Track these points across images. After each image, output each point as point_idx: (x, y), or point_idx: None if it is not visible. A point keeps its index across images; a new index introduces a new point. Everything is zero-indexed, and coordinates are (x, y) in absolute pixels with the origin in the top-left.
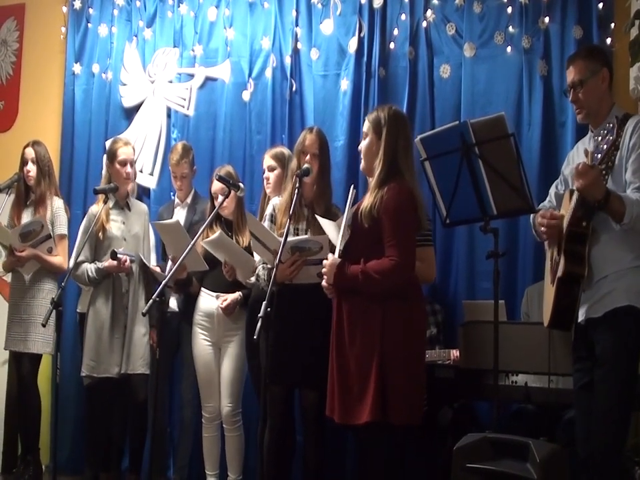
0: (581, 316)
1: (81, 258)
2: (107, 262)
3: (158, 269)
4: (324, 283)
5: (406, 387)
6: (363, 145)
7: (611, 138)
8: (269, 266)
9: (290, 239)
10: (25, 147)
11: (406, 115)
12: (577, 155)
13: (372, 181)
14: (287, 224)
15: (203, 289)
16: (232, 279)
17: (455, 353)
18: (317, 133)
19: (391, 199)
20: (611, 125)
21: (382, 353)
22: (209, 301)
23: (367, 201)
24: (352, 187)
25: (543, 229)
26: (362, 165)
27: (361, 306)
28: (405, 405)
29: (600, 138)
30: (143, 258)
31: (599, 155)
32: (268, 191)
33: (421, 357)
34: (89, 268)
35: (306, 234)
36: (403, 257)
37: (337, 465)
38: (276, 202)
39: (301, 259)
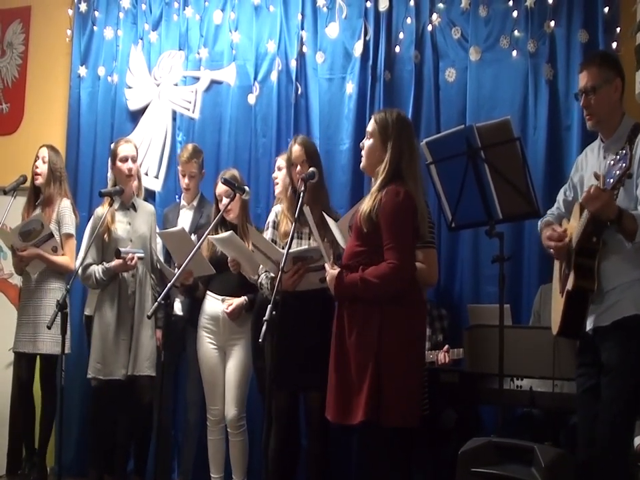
0: (589, 325)
1: (88, 260)
2: (113, 262)
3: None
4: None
5: (401, 389)
6: (366, 144)
7: (624, 165)
8: (271, 274)
9: (292, 249)
10: (40, 146)
11: (410, 120)
12: (585, 162)
13: (374, 184)
14: (291, 232)
15: (208, 292)
16: (236, 272)
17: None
18: (300, 142)
19: (389, 201)
20: (624, 152)
21: (379, 355)
22: (214, 305)
23: (367, 204)
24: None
25: (551, 250)
26: (362, 163)
27: (361, 309)
28: (400, 407)
29: (612, 162)
30: (153, 253)
31: (611, 180)
32: (277, 191)
33: (418, 360)
34: (97, 270)
35: (309, 238)
36: (401, 259)
37: (341, 470)
38: (278, 209)
39: (303, 268)
